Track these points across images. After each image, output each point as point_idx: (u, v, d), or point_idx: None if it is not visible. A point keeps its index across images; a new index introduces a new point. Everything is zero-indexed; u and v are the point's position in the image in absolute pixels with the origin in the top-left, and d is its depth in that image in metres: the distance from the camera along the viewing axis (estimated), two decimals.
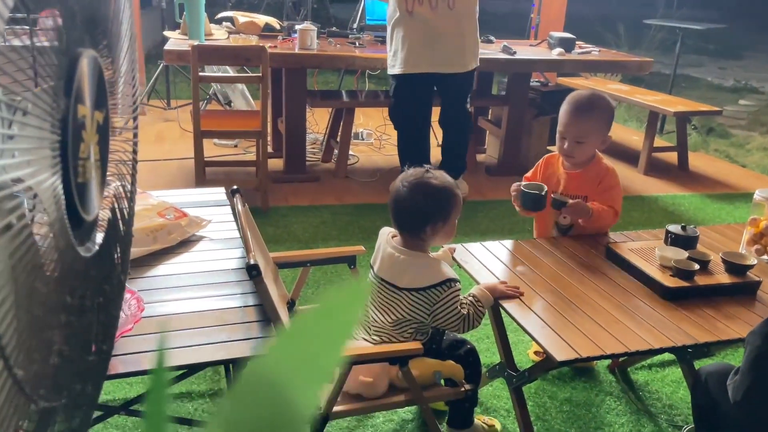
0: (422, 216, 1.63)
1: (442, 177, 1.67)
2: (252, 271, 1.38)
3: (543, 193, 2.01)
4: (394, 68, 3.38)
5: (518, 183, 2.10)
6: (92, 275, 0.64)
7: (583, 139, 2.04)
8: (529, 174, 2.24)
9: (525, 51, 4.26)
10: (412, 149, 3.54)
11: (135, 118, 0.84)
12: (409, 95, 3.44)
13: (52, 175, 0.52)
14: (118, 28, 0.71)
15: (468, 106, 3.58)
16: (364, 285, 0.27)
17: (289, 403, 0.25)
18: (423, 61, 3.31)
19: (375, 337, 1.68)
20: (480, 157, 4.58)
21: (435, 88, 3.50)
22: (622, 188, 2.15)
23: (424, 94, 3.47)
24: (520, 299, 1.69)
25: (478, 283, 1.75)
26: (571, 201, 2.02)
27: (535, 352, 2.28)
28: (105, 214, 0.72)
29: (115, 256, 0.78)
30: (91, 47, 0.60)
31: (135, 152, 0.85)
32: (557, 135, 2.11)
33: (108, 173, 0.72)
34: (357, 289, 0.25)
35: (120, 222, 0.80)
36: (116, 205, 0.77)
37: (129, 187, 0.84)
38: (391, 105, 3.57)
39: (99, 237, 0.70)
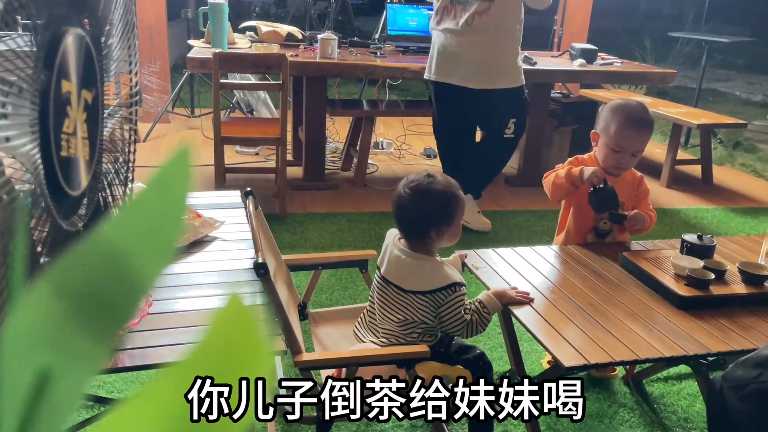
0: (425, 221, 1.64)
1: (444, 180, 1.67)
2: (259, 270, 1.39)
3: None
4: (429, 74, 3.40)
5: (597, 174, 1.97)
6: None
7: (641, 151, 2.05)
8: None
9: (546, 62, 4.24)
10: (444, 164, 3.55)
11: (133, 104, 0.86)
12: (445, 105, 3.43)
13: (30, 143, 0.54)
14: (110, 13, 0.73)
15: (506, 133, 3.40)
16: (188, 148, 0.27)
17: (128, 271, 0.25)
18: (451, 73, 3.28)
19: (383, 340, 1.68)
20: None
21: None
22: None
23: (457, 106, 3.41)
24: (531, 306, 1.68)
25: (488, 288, 1.74)
26: (629, 214, 2.02)
27: (548, 362, 2.25)
28: (95, 194, 0.74)
29: None
30: (78, 26, 0.62)
31: (134, 140, 0.87)
32: (609, 148, 2.03)
33: (102, 156, 0.74)
34: (180, 154, 0.26)
35: (113, 204, 0.82)
36: (109, 188, 0.79)
37: (125, 172, 0.86)
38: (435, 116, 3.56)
39: (87, 214, 0.72)
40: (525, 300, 1.68)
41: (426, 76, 3.43)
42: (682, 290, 1.71)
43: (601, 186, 1.96)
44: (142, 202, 0.26)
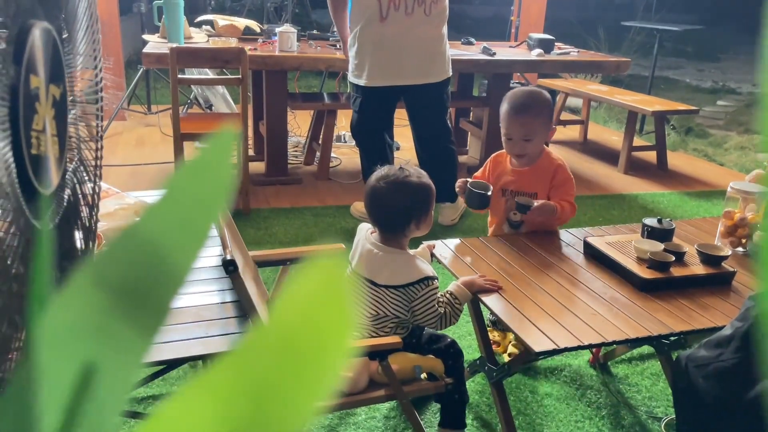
0: (406, 214, 1.65)
1: (417, 172, 1.69)
2: (228, 267, 1.38)
3: (488, 194, 2.03)
4: (360, 79, 3.10)
5: (464, 179, 2.11)
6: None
7: (530, 136, 2.07)
8: (478, 173, 2.24)
9: (504, 52, 4.29)
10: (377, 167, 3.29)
11: (97, 101, 0.84)
12: (374, 110, 3.17)
13: (1, 141, 0.52)
14: (75, 6, 0.71)
15: (448, 121, 3.31)
16: (231, 131, 0.26)
17: (164, 261, 0.25)
18: (391, 73, 3.07)
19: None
20: (462, 158, 4.59)
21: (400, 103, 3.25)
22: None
23: (389, 108, 3.23)
24: (499, 293, 1.70)
25: (457, 278, 1.76)
26: (536, 203, 2.02)
27: (513, 345, 2.29)
28: (65, 192, 0.72)
29: (77, 236, 0.78)
30: (44, 19, 0.60)
31: (99, 136, 0.85)
32: (503, 136, 2.10)
33: (68, 153, 0.72)
34: (223, 137, 0.25)
35: (82, 204, 0.80)
36: (77, 187, 0.77)
37: (92, 170, 0.84)
38: (355, 120, 3.24)
39: (57, 213, 0.70)
40: (494, 287, 1.70)
41: (375, 83, 3.05)
42: (644, 273, 1.75)
43: (462, 188, 2.07)
44: (179, 188, 0.25)
